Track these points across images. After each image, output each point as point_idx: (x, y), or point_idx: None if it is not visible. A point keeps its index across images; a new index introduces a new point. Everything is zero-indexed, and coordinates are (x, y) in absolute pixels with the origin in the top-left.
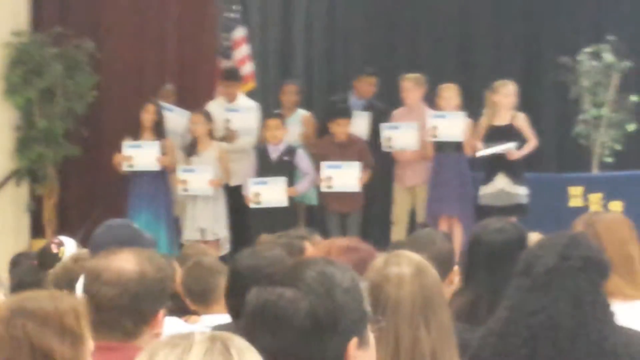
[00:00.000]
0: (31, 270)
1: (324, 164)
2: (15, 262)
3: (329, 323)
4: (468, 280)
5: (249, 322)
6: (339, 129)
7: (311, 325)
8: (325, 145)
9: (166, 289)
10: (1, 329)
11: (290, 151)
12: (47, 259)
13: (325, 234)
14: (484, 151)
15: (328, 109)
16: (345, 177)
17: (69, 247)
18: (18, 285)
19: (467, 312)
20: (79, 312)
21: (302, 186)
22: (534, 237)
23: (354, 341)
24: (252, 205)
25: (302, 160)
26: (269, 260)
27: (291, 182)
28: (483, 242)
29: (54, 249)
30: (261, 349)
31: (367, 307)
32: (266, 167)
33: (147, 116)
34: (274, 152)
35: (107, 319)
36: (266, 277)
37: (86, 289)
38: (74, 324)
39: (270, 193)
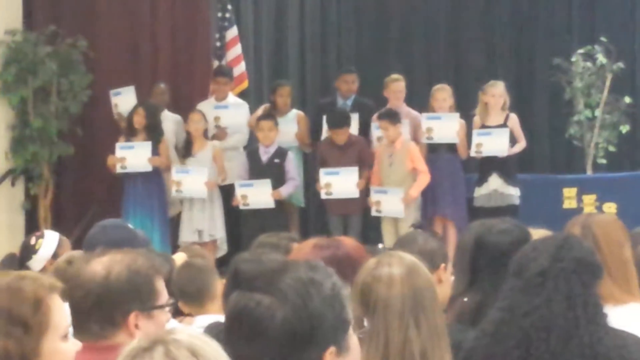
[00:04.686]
0: (12, 262)
1: (322, 171)
2: (4, 261)
3: (304, 333)
4: (472, 282)
5: (227, 326)
6: (339, 137)
7: (286, 335)
8: (324, 147)
9: (140, 292)
10: None
11: (281, 153)
12: (25, 251)
13: (328, 235)
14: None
15: (329, 117)
16: (344, 183)
17: (48, 239)
18: None
19: (472, 314)
20: (41, 301)
21: (286, 190)
22: (534, 234)
23: (330, 350)
24: (241, 207)
25: (290, 163)
26: (269, 263)
27: (281, 184)
28: (488, 244)
29: (32, 241)
30: (237, 355)
31: (348, 315)
32: (257, 169)
33: (137, 118)
34: (265, 155)
35: (76, 322)
36: (248, 282)
37: (67, 292)
38: (29, 315)
39: (256, 195)
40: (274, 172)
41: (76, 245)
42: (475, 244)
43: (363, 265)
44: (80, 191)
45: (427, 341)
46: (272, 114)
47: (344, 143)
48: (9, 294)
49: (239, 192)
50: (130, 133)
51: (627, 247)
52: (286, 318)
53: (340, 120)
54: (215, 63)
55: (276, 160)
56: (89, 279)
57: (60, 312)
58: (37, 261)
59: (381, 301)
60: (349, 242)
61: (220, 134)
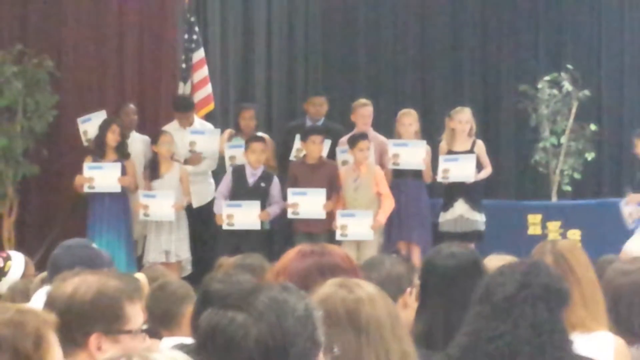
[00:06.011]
0: None
1: (290, 191)
2: None
3: (277, 351)
4: (422, 305)
5: (200, 344)
6: (313, 147)
7: (259, 353)
8: (296, 166)
9: (104, 314)
10: None
11: (267, 177)
12: None
13: None
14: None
15: (304, 130)
16: (311, 204)
17: (15, 261)
18: None
19: (423, 337)
20: (42, 337)
21: (273, 211)
22: (497, 260)
23: None
24: (224, 227)
25: (276, 188)
26: (240, 284)
27: (263, 207)
28: (436, 267)
29: (0, 263)
30: None
31: (320, 337)
32: (242, 189)
33: (112, 136)
34: (252, 177)
35: None
36: (221, 300)
37: None
38: (31, 351)
39: (243, 216)
40: (258, 194)
41: (40, 265)
42: (424, 267)
43: (327, 293)
44: (44, 211)
45: (415, 354)
46: (261, 137)
47: (316, 163)
48: (12, 328)
49: (225, 211)
50: (99, 153)
51: (592, 272)
52: (260, 335)
53: (313, 129)
54: (181, 85)
55: (262, 184)
56: (56, 298)
57: (57, 348)
58: (6, 283)
59: (373, 320)
60: (336, 251)
61: (195, 158)
